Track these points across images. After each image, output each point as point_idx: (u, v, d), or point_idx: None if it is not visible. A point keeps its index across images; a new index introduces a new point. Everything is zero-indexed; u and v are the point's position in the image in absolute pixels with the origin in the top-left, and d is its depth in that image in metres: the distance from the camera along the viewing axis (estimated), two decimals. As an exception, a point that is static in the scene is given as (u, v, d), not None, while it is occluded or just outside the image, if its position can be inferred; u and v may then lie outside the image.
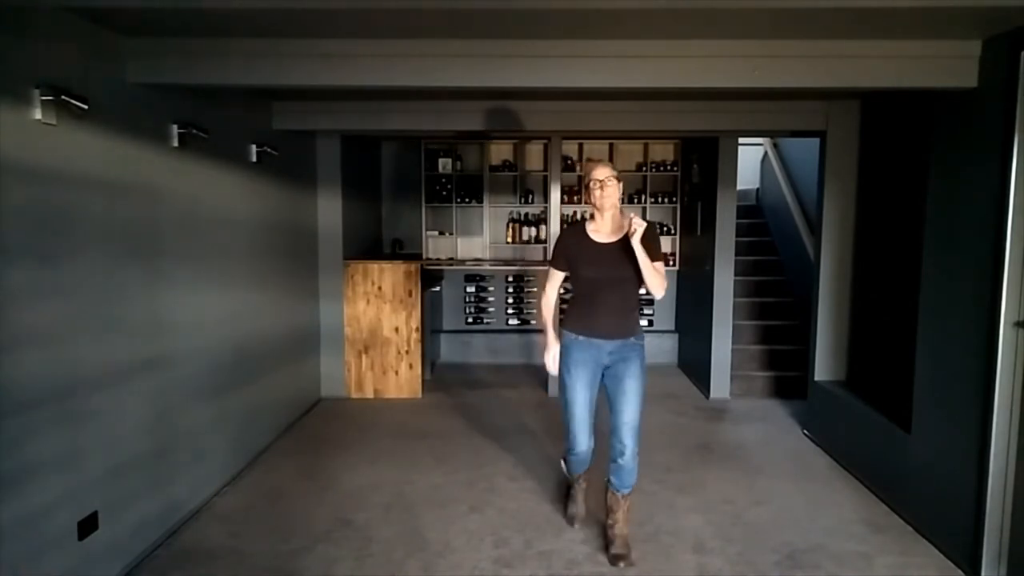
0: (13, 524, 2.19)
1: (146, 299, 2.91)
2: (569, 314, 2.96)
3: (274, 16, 2.54)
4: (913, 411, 3.25)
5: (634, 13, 2.47)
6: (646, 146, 6.70)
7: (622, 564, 2.86)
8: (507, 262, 6.70)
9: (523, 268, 6.80)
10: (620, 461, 2.91)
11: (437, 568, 2.85)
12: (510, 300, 6.95)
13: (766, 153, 7.36)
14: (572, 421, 2.96)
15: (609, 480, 3.01)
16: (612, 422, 2.91)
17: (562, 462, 3.28)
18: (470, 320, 6.95)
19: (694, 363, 6.11)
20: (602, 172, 2.81)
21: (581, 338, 2.89)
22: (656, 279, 2.76)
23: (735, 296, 5.53)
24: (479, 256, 6.79)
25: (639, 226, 2.63)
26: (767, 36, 2.80)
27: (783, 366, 5.67)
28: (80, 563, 2.50)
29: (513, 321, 6.94)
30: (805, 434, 4.60)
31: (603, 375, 2.94)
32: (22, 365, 2.21)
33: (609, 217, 2.87)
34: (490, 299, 6.96)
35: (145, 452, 2.91)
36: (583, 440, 2.97)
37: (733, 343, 5.50)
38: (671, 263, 6.76)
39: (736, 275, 5.51)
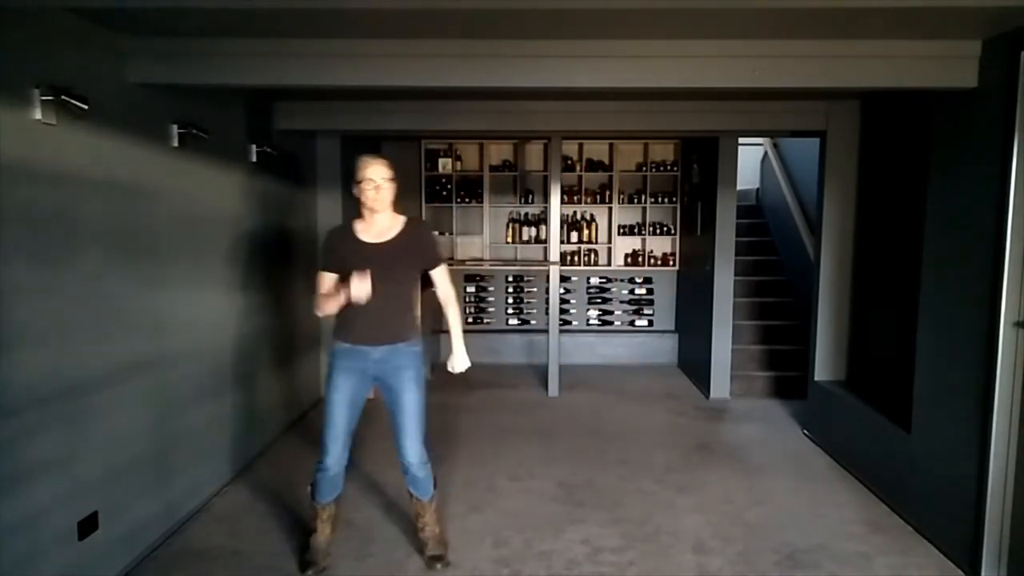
0: (13, 524, 2.19)
1: (146, 299, 2.91)
2: (336, 322, 2.77)
3: (274, 16, 2.54)
4: (913, 411, 3.25)
5: (634, 13, 2.47)
6: (646, 146, 6.70)
7: (439, 566, 2.81)
8: (507, 262, 6.70)
9: (523, 268, 6.80)
10: (411, 473, 2.80)
11: (437, 568, 2.85)
12: (510, 300, 6.95)
13: (766, 153, 7.36)
14: (325, 431, 2.72)
15: (408, 490, 2.89)
16: (394, 436, 2.78)
17: (308, 488, 2.87)
18: (470, 320, 6.95)
19: (694, 363, 6.11)
20: (379, 172, 2.63)
21: (346, 346, 2.72)
22: (456, 310, 2.90)
23: (735, 296, 5.53)
24: (479, 256, 6.79)
25: (357, 289, 2.53)
26: (767, 36, 2.79)
27: (783, 366, 5.67)
28: (80, 563, 2.50)
29: (513, 321, 6.94)
30: (805, 434, 4.60)
31: (380, 386, 2.77)
32: (22, 365, 2.21)
33: (380, 218, 2.70)
34: (490, 299, 6.96)
35: (145, 452, 2.91)
36: (334, 453, 2.71)
37: (733, 343, 5.50)
38: (671, 263, 6.77)
39: (736, 275, 5.51)
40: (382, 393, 2.79)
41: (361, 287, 2.54)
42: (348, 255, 2.68)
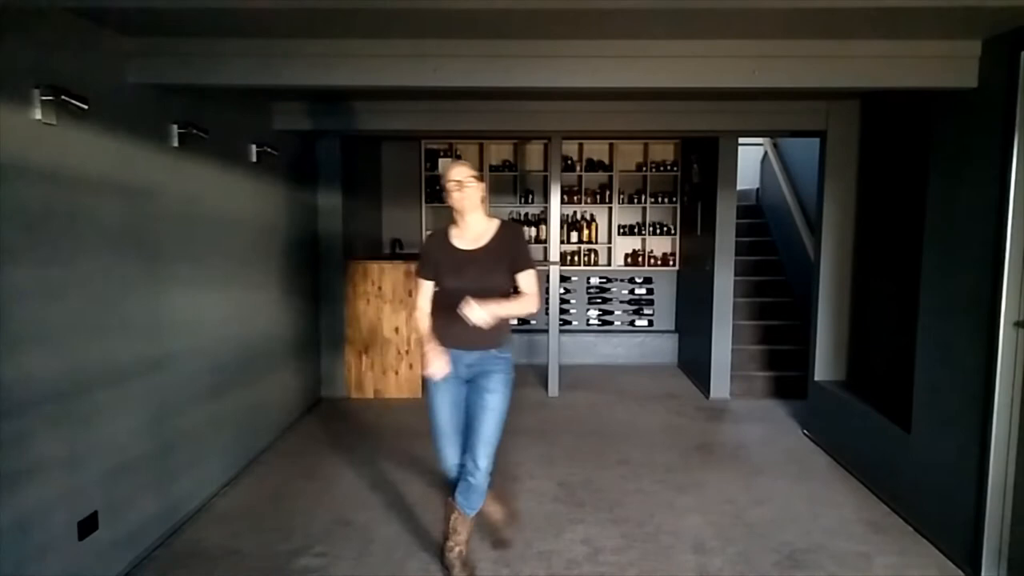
0: (13, 524, 2.19)
1: (146, 299, 2.91)
2: (433, 326, 2.75)
3: (274, 16, 2.54)
4: (913, 411, 3.25)
5: (634, 13, 2.47)
6: (646, 146, 6.70)
7: None
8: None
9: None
10: (471, 480, 2.69)
11: (437, 568, 2.85)
12: (510, 300, 6.94)
13: (766, 153, 7.36)
14: (436, 436, 2.76)
15: (455, 499, 2.78)
16: (467, 438, 2.72)
17: (448, 502, 2.86)
18: (470, 320, 6.94)
19: (694, 363, 6.11)
20: (459, 172, 2.61)
21: (442, 349, 2.68)
22: (526, 307, 2.63)
23: (735, 296, 5.54)
24: (479, 256, 6.78)
25: (470, 313, 2.44)
26: (767, 36, 2.80)
27: (783, 366, 5.67)
28: (80, 563, 2.50)
29: (513, 321, 6.93)
30: (805, 434, 4.60)
31: (468, 389, 2.74)
32: (22, 365, 2.21)
33: (472, 221, 2.67)
34: (490, 299, 6.94)
35: (145, 452, 2.91)
36: (450, 455, 2.75)
37: (733, 343, 5.50)
38: (671, 263, 6.77)
39: (736, 275, 5.51)
40: (467, 396, 2.75)
41: (474, 313, 2.45)
42: (442, 262, 2.69)
